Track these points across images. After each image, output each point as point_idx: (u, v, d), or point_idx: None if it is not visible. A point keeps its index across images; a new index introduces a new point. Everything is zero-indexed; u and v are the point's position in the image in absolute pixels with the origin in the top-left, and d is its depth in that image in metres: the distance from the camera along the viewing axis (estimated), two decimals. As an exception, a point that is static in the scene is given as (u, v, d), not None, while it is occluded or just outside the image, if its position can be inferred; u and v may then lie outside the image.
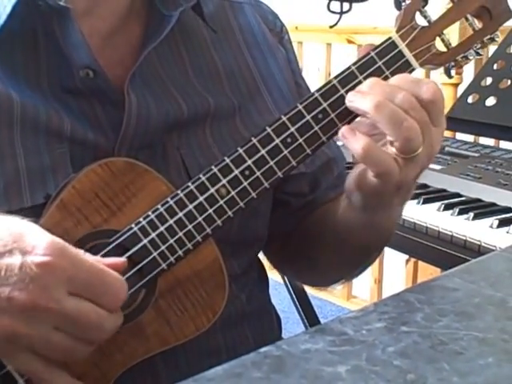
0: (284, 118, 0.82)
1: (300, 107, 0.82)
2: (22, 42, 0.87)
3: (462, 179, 1.51)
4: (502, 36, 1.44)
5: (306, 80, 1.10)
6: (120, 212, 0.80)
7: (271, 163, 0.82)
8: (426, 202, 1.43)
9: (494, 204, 1.42)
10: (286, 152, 0.82)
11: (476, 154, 1.65)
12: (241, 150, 0.81)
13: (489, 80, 1.72)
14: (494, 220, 1.32)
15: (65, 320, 0.70)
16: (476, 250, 1.28)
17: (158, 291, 0.81)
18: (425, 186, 1.51)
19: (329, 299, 3.40)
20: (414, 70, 0.84)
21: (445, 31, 0.85)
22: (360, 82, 0.81)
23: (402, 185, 0.81)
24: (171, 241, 0.80)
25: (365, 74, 0.82)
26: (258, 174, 0.81)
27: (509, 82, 1.67)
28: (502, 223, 1.31)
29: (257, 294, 1.03)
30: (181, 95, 0.92)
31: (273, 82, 1.02)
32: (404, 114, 0.77)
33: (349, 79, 0.82)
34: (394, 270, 2.90)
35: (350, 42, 3.10)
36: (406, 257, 2.71)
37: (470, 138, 1.97)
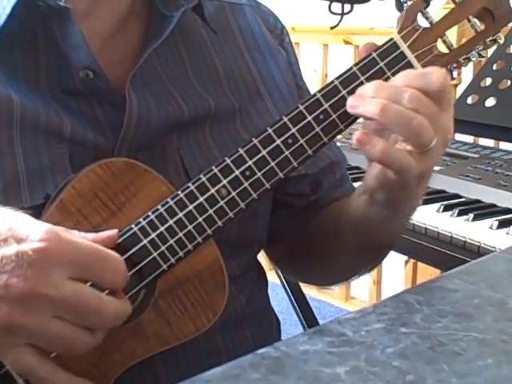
0: (285, 119, 0.82)
1: (301, 108, 0.82)
2: (21, 43, 0.86)
3: (462, 180, 1.51)
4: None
5: (304, 81, 1.10)
6: (120, 212, 0.80)
7: (272, 164, 0.81)
8: (425, 202, 1.42)
9: (493, 205, 1.42)
10: (287, 153, 0.82)
11: (476, 155, 1.65)
12: (241, 151, 0.81)
13: (488, 81, 1.72)
14: (493, 221, 1.32)
15: (64, 306, 0.69)
16: (476, 251, 1.28)
17: (157, 291, 0.81)
18: (424, 186, 1.51)
19: (327, 300, 3.40)
20: None
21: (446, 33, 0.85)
22: (361, 83, 0.81)
23: (422, 176, 0.82)
24: (171, 241, 0.80)
25: (366, 75, 0.82)
26: (258, 174, 0.81)
27: (508, 82, 1.67)
28: (502, 224, 1.31)
29: (256, 296, 1.02)
30: (181, 96, 0.92)
31: (273, 84, 1.02)
32: (412, 113, 0.77)
33: (350, 80, 0.82)
34: (393, 271, 2.89)
35: (347, 42, 3.09)
36: (405, 258, 2.71)
37: (469, 138, 1.97)
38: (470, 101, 1.68)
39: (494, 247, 1.25)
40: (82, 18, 0.87)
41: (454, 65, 0.87)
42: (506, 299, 0.73)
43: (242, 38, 1.02)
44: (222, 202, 0.81)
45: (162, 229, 0.79)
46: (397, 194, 0.84)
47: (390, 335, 0.65)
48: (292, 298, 1.95)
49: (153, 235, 0.79)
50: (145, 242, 0.79)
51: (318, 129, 0.82)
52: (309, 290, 2.06)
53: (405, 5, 0.84)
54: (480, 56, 0.87)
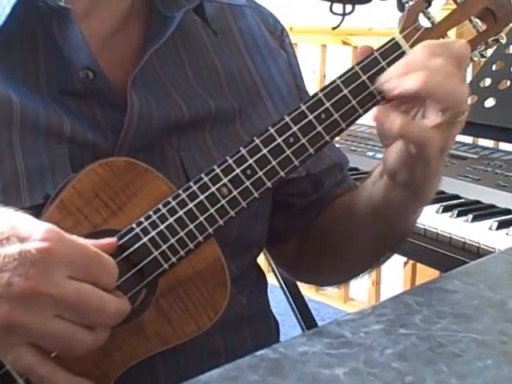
0: (287, 118, 0.82)
1: (303, 107, 0.82)
2: (20, 43, 0.86)
3: (461, 181, 1.51)
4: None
5: (302, 82, 1.10)
6: (120, 212, 0.80)
7: (273, 163, 0.82)
8: (424, 203, 1.42)
9: (493, 206, 1.42)
10: (288, 152, 0.82)
11: (475, 156, 1.65)
12: (243, 150, 0.81)
13: (488, 81, 1.71)
14: (493, 222, 1.32)
15: (65, 305, 0.69)
16: (475, 252, 1.28)
17: (159, 290, 0.81)
18: (423, 187, 1.50)
19: (326, 302, 3.39)
20: None
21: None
22: (363, 83, 0.82)
23: (443, 149, 0.82)
24: (172, 240, 0.79)
25: (368, 74, 0.82)
26: (260, 173, 0.81)
27: (508, 82, 1.66)
28: (502, 225, 1.31)
29: (256, 297, 1.02)
30: (181, 98, 0.92)
31: (273, 86, 1.02)
32: (451, 83, 0.77)
33: (352, 79, 0.82)
34: (392, 273, 2.89)
35: (345, 43, 3.08)
36: (405, 259, 2.71)
37: (468, 139, 1.97)
38: (469, 101, 1.67)
39: (494, 248, 1.25)
40: (81, 19, 0.87)
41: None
42: (505, 300, 0.73)
43: (242, 40, 1.02)
44: (223, 201, 0.81)
45: (162, 228, 0.79)
46: (419, 170, 0.84)
47: (389, 336, 0.65)
48: (290, 299, 1.95)
49: (154, 234, 0.79)
50: (145, 241, 0.79)
51: (319, 128, 0.82)
52: (307, 292, 2.05)
53: (406, 5, 0.84)
54: (482, 56, 0.87)
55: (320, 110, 0.82)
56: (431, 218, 1.39)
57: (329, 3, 1.16)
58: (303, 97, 1.05)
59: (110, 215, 0.80)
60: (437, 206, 1.42)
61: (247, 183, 0.81)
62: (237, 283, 0.96)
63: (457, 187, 1.50)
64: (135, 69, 0.88)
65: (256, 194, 0.82)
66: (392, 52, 0.83)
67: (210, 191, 0.80)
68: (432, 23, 0.84)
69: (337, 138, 0.88)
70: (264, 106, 1.00)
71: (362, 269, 1.09)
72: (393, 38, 0.83)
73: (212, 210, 0.81)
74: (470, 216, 1.35)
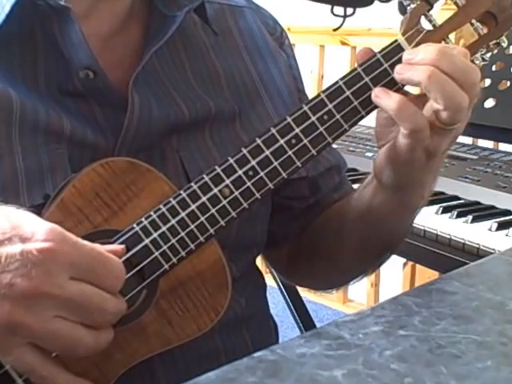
0: (289, 119, 0.81)
1: (305, 108, 0.82)
2: (19, 42, 0.86)
3: (461, 182, 1.51)
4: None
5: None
6: (121, 212, 0.80)
7: (275, 164, 0.81)
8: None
9: (492, 207, 1.42)
10: (290, 153, 0.81)
11: (474, 157, 1.65)
12: (245, 151, 0.81)
13: (487, 81, 1.71)
14: (492, 223, 1.31)
15: (67, 305, 0.68)
16: (475, 253, 1.28)
17: (159, 291, 0.81)
18: (423, 188, 1.50)
19: (324, 303, 3.39)
20: None
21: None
22: (366, 84, 0.82)
23: (432, 154, 0.82)
24: (173, 241, 0.79)
25: (371, 76, 0.82)
26: (261, 174, 0.81)
27: (508, 83, 1.67)
28: (501, 226, 1.31)
29: (255, 299, 1.02)
30: (182, 98, 0.92)
31: (273, 87, 1.02)
32: (456, 86, 0.77)
33: (355, 81, 0.82)
34: (392, 274, 2.89)
35: (343, 43, 3.08)
36: (404, 260, 2.71)
37: (468, 140, 1.97)
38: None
39: (493, 249, 1.25)
40: (81, 18, 0.86)
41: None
42: (505, 301, 0.73)
43: (242, 41, 1.02)
44: (224, 202, 0.80)
45: (164, 228, 0.79)
46: (403, 170, 0.84)
47: (388, 338, 0.65)
48: (289, 300, 1.95)
49: (155, 235, 0.79)
50: (146, 241, 0.79)
51: (321, 129, 0.82)
52: (306, 293, 2.05)
53: (408, 7, 0.84)
54: (483, 60, 0.87)
55: (322, 111, 0.82)
56: (431, 219, 1.38)
57: (328, 5, 1.16)
58: (303, 99, 1.05)
59: (110, 215, 0.80)
60: (436, 206, 1.42)
61: (249, 184, 0.81)
62: (236, 284, 0.95)
63: (456, 188, 1.50)
64: (135, 69, 0.88)
65: (258, 195, 0.81)
66: (394, 54, 0.82)
67: (211, 192, 0.80)
68: (434, 26, 0.84)
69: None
70: (264, 107, 1.00)
71: (353, 274, 1.09)
72: (395, 40, 0.83)
73: (213, 211, 0.80)
74: (470, 217, 1.35)
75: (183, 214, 0.79)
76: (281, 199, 1.02)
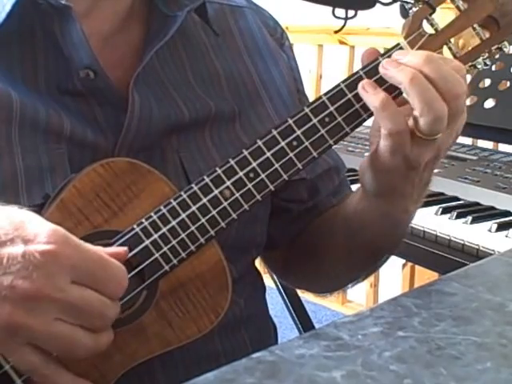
0: (290, 121, 0.81)
1: (307, 110, 0.82)
2: (19, 42, 0.86)
3: (460, 182, 1.51)
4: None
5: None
6: (121, 212, 0.80)
7: (276, 166, 0.81)
8: (423, 205, 1.41)
9: (492, 208, 1.41)
10: (291, 155, 0.81)
11: (474, 157, 1.64)
12: (246, 152, 0.81)
13: (487, 82, 1.71)
14: (492, 224, 1.31)
15: (68, 309, 0.68)
16: (474, 254, 1.28)
17: (159, 292, 0.81)
18: (422, 189, 1.50)
19: (323, 304, 3.38)
20: None
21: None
22: None
23: (412, 165, 0.81)
24: (174, 242, 0.79)
25: (373, 79, 0.81)
26: (262, 176, 0.81)
27: (508, 83, 1.66)
28: (501, 227, 1.30)
29: (254, 300, 1.02)
30: (182, 98, 0.92)
31: (273, 88, 1.02)
32: (438, 95, 0.77)
33: (356, 84, 0.82)
34: (391, 275, 2.89)
35: (341, 43, 3.07)
36: (403, 261, 2.71)
37: (468, 140, 1.97)
38: (468, 102, 1.68)
39: (493, 250, 1.25)
40: (82, 18, 0.86)
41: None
42: (504, 303, 0.73)
43: (242, 41, 1.02)
44: (225, 203, 0.80)
45: (164, 230, 0.79)
46: (384, 178, 0.84)
47: (388, 339, 0.65)
48: (287, 301, 1.95)
49: (155, 236, 0.79)
50: (147, 242, 0.78)
51: (323, 131, 0.82)
52: (304, 294, 2.04)
53: (410, 11, 0.84)
54: (485, 64, 0.87)
55: (324, 113, 0.82)
56: (430, 220, 1.38)
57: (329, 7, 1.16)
58: (303, 100, 1.05)
59: (110, 216, 0.79)
60: (436, 207, 1.42)
61: (249, 186, 0.81)
62: (235, 285, 0.95)
63: (456, 189, 1.49)
64: (135, 68, 0.87)
65: (259, 197, 0.81)
66: None
67: (212, 193, 0.80)
68: (436, 29, 0.84)
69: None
70: (264, 108, 1.00)
71: (345, 279, 1.09)
72: (398, 44, 0.83)
73: (214, 212, 0.80)
74: (470, 218, 1.35)
75: (183, 216, 0.79)
76: (279, 201, 1.02)
